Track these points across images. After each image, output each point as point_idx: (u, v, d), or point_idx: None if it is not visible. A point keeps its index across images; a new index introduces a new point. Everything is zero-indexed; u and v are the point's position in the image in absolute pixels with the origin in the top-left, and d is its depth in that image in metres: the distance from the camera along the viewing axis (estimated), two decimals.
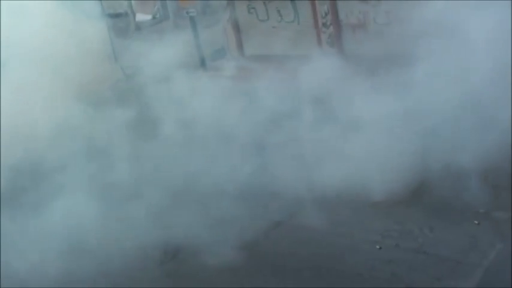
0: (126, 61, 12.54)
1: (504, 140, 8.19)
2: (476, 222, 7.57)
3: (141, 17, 14.76)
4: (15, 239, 8.27)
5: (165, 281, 7.62)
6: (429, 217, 7.83)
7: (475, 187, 7.87)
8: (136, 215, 8.45)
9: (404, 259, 7.29)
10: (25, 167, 9.89)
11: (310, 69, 10.26)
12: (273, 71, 11.20)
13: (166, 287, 7.56)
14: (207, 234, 7.99)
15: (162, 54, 10.99)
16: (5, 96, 10.41)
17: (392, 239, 7.63)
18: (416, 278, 7.00)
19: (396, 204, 8.01)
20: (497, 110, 8.26)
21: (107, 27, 12.91)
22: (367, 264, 7.33)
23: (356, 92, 9.22)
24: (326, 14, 11.24)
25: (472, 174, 7.96)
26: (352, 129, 8.91)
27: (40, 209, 8.56)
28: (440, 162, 8.22)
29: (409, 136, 8.53)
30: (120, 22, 14.33)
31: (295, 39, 11.31)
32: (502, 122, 8.24)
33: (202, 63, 12.39)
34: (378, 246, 7.54)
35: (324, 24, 11.32)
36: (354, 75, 9.68)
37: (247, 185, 8.66)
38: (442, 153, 8.23)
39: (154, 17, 15.11)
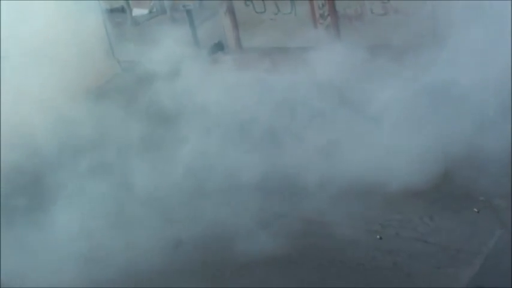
0: (123, 56, 12.52)
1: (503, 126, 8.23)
2: (476, 210, 7.57)
3: (137, 11, 14.76)
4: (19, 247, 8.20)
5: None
6: (429, 206, 7.83)
7: (474, 175, 7.87)
8: (142, 215, 8.46)
9: (405, 248, 7.29)
10: (24, 166, 9.83)
11: (309, 60, 10.27)
12: (271, 62, 11.20)
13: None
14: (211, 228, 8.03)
15: (159, 48, 10.99)
16: None
17: (392, 228, 7.63)
18: (417, 267, 7.02)
19: (396, 194, 8.00)
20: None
21: (103, 22, 12.85)
22: (367, 254, 7.34)
23: (361, 82, 9.26)
24: (323, 5, 11.21)
25: (472, 162, 7.97)
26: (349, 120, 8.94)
27: (44, 211, 8.54)
28: (440, 151, 8.23)
29: (409, 126, 8.54)
30: (117, 17, 14.31)
31: (292, 31, 11.28)
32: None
33: (200, 57, 12.35)
34: (378, 236, 7.54)
35: (321, 16, 11.30)
36: (357, 64, 9.68)
37: (247, 176, 8.65)
38: (440, 142, 8.23)
39: (150, 11, 15.09)
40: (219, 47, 12.53)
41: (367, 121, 8.83)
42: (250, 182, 8.52)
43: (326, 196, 8.12)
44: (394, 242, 7.42)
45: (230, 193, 8.53)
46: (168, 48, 10.97)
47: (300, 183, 8.48)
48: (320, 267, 7.30)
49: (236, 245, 7.65)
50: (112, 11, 14.17)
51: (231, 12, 12.10)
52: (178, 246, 7.97)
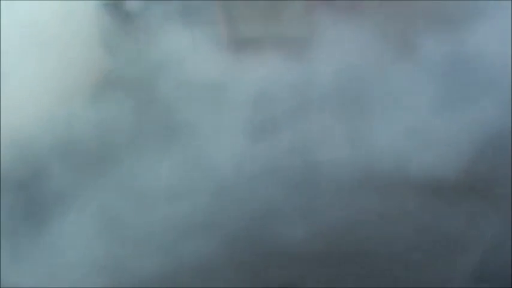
0: (118, 50, 12.50)
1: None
2: (475, 199, 7.55)
3: (131, 4, 14.71)
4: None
5: None
6: (429, 195, 7.81)
7: (473, 163, 7.86)
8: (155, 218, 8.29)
9: (404, 239, 7.26)
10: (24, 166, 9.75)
11: (307, 50, 10.25)
12: (268, 53, 11.19)
13: None
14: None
15: (155, 41, 10.97)
16: None
17: (391, 218, 7.60)
18: (416, 258, 7.00)
19: (396, 183, 7.98)
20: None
21: (99, 15, 12.83)
22: (366, 244, 7.30)
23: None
24: None
25: (471, 150, 7.97)
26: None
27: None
28: (438, 140, 8.23)
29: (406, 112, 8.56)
30: (112, 10, 14.27)
31: (288, 21, 11.27)
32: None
33: (195, 49, 12.35)
34: (377, 226, 7.52)
35: (316, 5, 11.29)
36: (363, 52, 9.69)
37: (244, 167, 8.62)
38: (442, 131, 8.24)
39: (144, 4, 15.04)
40: (214, 37, 12.52)
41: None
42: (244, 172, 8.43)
43: (323, 184, 8.11)
44: (393, 232, 7.40)
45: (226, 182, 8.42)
46: (165, 40, 10.96)
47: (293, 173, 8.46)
48: (316, 259, 7.24)
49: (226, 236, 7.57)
50: (107, 4, 14.13)
51: (226, 3, 12.10)
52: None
